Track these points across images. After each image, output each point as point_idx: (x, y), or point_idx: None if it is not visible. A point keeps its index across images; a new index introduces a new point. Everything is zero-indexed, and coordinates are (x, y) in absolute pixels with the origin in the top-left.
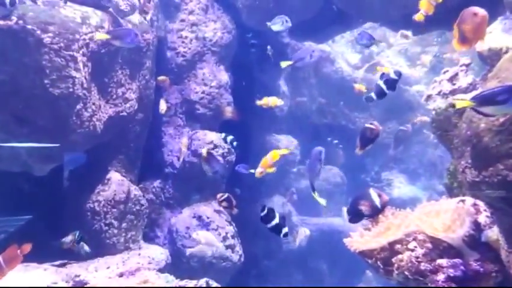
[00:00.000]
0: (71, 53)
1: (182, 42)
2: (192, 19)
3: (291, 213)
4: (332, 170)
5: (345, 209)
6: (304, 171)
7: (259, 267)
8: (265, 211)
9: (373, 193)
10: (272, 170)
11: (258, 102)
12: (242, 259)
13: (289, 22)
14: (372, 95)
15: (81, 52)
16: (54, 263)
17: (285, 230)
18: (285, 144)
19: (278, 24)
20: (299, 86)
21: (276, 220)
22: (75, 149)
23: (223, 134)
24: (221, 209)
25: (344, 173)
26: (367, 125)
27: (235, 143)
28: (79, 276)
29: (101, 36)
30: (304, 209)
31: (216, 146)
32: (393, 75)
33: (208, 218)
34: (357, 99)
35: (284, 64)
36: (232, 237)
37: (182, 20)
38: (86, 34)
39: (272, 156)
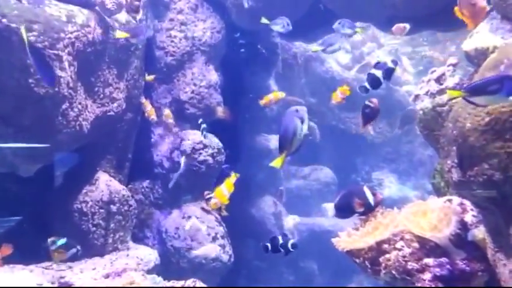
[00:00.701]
0: (56, 51)
1: (172, 41)
2: (181, 18)
3: (281, 213)
4: (322, 170)
5: (328, 205)
6: (295, 171)
7: (250, 267)
8: (269, 246)
9: (367, 191)
10: (226, 201)
11: (261, 102)
12: (232, 259)
13: (290, 25)
14: (366, 84)
15: (66, 51)
16: (41, 264)
17: (291, 241)
18: (275, 144)
19: (279, 26)
20: (289, 86)
21: (281, 241)
22: (61, 149)
23: (200, 120)
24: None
25: (334, 173)
26: (367, 103)
27: (204, 132)
28: (64, 277)
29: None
30: (294, 208)
31: (205, 146)
32: (390, 64)
33: (197, 218)
34: (347, 99)
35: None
36: (222, 237)
37: (172, 19)
38: (71, 33)
39: (227, 187)
